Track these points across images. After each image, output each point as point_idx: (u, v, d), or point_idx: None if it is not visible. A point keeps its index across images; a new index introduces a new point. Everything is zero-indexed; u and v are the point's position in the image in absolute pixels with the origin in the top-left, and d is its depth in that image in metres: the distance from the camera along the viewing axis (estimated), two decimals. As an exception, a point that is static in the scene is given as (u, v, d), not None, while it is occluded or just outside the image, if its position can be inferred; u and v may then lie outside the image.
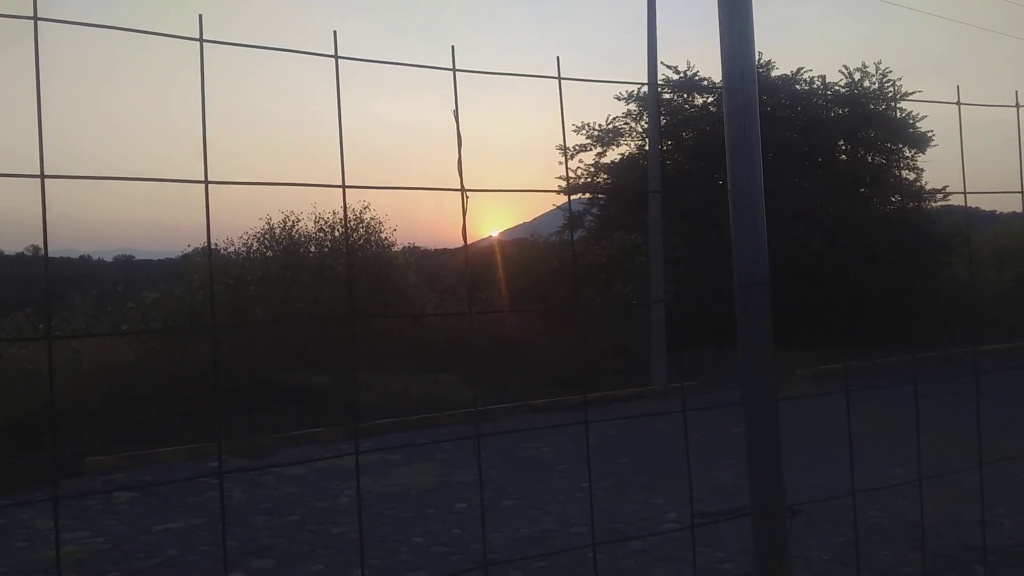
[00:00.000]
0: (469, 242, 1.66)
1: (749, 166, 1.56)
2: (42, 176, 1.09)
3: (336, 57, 1.28)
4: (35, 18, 1.10)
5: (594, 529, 1.48)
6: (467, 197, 1.37)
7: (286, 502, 6.38)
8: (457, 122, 1.32)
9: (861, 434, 7.60)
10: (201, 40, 1.18)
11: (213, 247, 14.19)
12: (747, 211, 1.57)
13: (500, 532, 5.39)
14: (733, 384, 11.14)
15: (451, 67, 1.36)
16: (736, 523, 5.17)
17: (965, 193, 1.87)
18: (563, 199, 18.76)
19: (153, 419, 8.90)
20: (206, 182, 1.18)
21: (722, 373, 11.33)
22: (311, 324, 12.11)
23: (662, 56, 16.29)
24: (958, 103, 1.84)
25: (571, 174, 18.47)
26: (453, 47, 1.36)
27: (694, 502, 5.77)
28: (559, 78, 1.44)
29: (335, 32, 1.27)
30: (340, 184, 1.27)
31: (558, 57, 1.42)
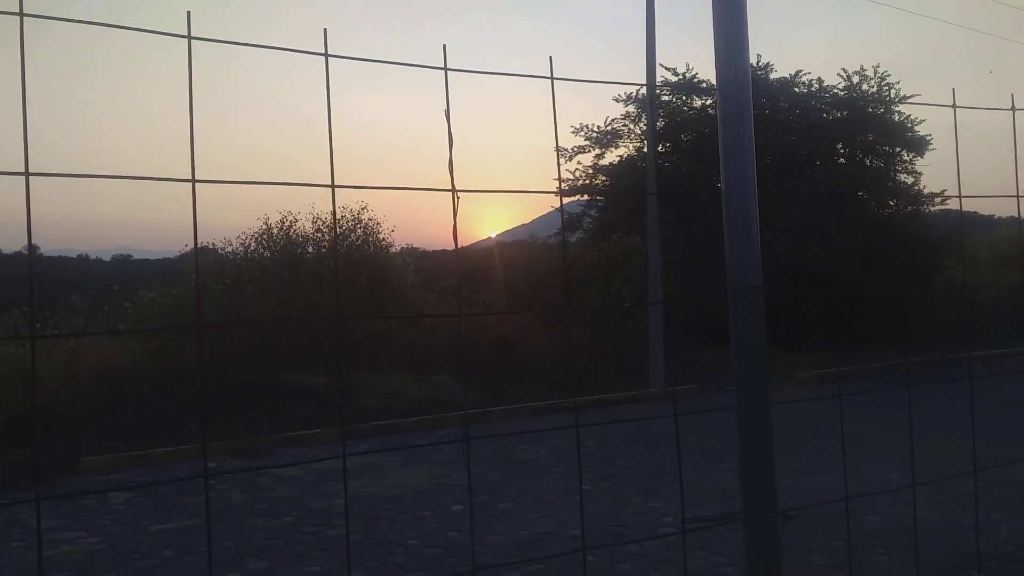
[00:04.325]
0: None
1: (742, 169, 1.54)
2: (27, 174, 1.08)
3: (326, 56, 1.27)
4: (21, 14, 1.09)
5: (584, 533, 1.47)
6: (458, 198, 1.36)
7: (282, 503, 6.36)
8: (448, 122, 1.31)
9: (860, 438, 7.59)
10: (189, 37, 1.17)
11: (210, 246, 14.19)
12: (740, 214, 1.55)
13: (498, 534, 5.38)
14: (732, 387, 11.15)
15: (442, 66, 1.35)
16: (735, 526, 5.16)
17: (960, 197, 1.87)
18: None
19: (150, 419, 8.88)
20: (192, 180, 1.17)
21: (721, 375, 11.33)
22: (309, 325, 12.10)
23: (661, 58, 16.32)
24: (953, 106, 1.83)
25: (570, 176, 18.49)
26: (444, 46, 1.35)
27: (691, 506, 5.76)
28: (551, 78, 1.43)
29: (325, 30, 1.26)
30: (329, 184, 1.26)
31: (551, 57, 1.41)
